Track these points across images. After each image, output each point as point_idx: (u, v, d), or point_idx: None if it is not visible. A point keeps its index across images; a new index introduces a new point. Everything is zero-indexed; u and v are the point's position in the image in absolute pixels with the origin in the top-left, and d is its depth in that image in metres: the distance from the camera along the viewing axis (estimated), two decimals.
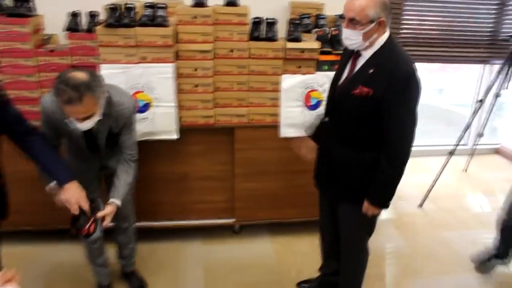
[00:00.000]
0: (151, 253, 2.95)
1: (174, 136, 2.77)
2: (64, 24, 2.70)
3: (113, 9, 2.49)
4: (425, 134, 4.68)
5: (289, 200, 3.08)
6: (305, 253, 3.01)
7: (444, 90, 5.69)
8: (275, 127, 2.87)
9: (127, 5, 2.56)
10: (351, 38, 1.88)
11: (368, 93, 1.86)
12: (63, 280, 2.72)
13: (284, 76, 2.77)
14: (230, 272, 2.83)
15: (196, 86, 2.74)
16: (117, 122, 2.11)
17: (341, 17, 2.33)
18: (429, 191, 3.70)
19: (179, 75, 2.70)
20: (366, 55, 1.92)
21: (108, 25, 2.49)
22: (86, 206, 1.95)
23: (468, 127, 3.75)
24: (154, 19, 2.56)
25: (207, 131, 2.85)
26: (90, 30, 2.66)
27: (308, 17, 3.01)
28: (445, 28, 4.03)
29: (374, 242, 3.18)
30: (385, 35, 1.88)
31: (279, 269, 2.87)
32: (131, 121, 2.17)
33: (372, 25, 1.81)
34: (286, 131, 2.86)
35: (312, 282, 2.69)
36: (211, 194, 3.03)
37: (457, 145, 3.70)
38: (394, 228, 3.38)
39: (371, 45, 1.89)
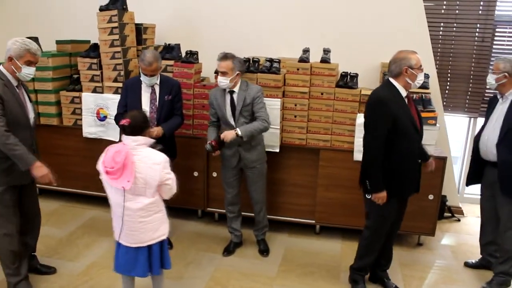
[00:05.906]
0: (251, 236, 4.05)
1: (276, 150, 3.88)
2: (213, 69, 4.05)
3: (245, 61, 3.78)
4: None
5: (359, 210, 3.89)
6: None
7: None
8: (350, 152, 3.83)
9: (254, 59, 3.84)
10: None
11: None
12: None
13: (359, 114, 3.73)
14: (303, 255, 3.79)
15: (295, 116, 3.87)
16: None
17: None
18: None
19: (283, 108, 3.86)
20: None
21: None
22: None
23: None
24: (270, 69, 3.78)
25: (300, 149, 3.91)
26: None
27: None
28: None
29: (426, 258, 3.84)
30: None
31: (340, 260, 3.74)
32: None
33: None
34: (358, 156, 3.77)
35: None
36: (298, 197, 4.04)
37: None
38: (450, 252, 3.94)
39: None
